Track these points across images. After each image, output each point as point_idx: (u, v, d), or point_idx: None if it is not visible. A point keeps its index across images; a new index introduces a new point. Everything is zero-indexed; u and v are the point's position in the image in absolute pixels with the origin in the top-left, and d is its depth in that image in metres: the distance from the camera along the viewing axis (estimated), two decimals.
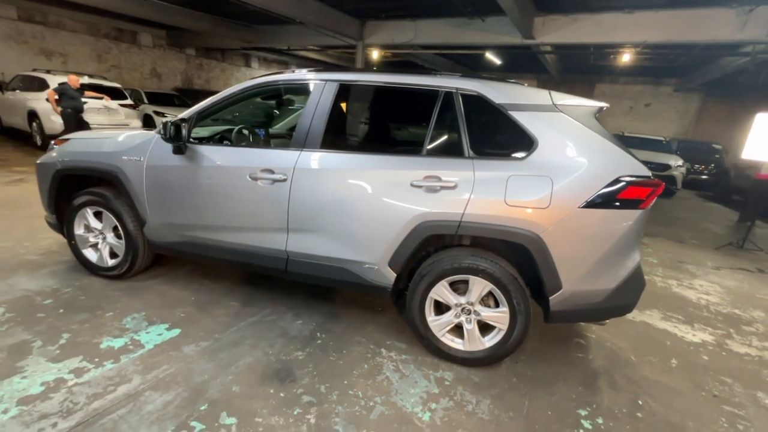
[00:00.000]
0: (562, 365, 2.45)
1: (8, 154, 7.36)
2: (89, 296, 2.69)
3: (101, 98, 8.30)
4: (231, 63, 17.68)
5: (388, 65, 16.73)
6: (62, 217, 2.97)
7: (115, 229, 2.84)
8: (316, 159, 2.31)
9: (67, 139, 2.93)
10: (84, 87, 7.75)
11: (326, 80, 2.40)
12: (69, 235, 2.93)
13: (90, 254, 2.95)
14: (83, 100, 7.61)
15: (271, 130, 3.54)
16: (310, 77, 2.45)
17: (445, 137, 2.22)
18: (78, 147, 2.84)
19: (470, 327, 2.24)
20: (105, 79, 9.45)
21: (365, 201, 2.22)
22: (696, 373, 2.52)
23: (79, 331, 2.31)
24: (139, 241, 2.79)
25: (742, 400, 2.30)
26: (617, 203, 1.97)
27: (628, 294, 2.13)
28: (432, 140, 2.21)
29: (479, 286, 2.16)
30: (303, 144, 2.35)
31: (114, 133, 2.91)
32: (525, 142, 2.09)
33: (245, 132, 3.16)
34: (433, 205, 2.11)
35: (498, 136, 2.16)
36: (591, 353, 2.62)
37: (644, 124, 16.29)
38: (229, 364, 2.14)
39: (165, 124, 2.37)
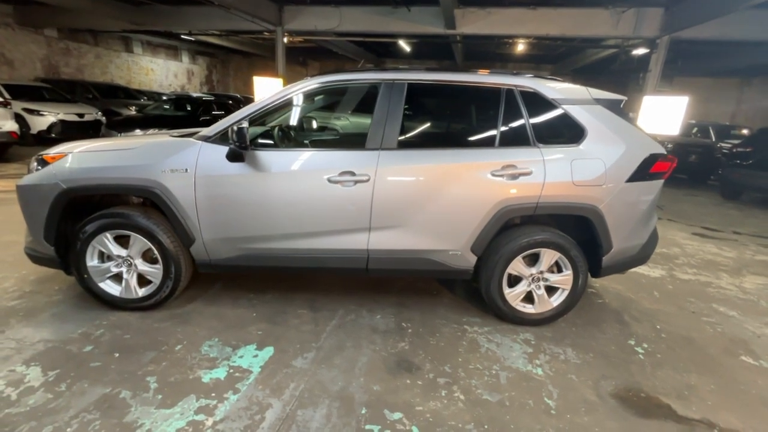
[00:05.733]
0: (595, 310, 3.02)
1: None
2: (135, 334, 2.34)
3: None
4: (107, 47, 14.96)
5: (302, 51, 16.12)
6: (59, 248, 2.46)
7: (145, 253, 2.48)
8: (397, 158, 2.38)
9: (65, 153, 2.40)
10: None
11: (394, 80, 2.45)
12: (78, 270, 2.45)
13: (110, 287, 2.52)
14: None
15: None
16: (378, 77, 2.47)
17: (513, 129, 2.49)
18: (91, 162, 2.36)
19: (540, 292, 2.62)
20: None
21: (449, 193, 2.39)
22: (673, 299, 3.33)
23: (161, 371, 2.03)
24: (182, 263, 2.48)
25: (708, 312, 3.16)
26: (648, 176, 2.52)
27: (651, 246, 2.74)
28: (502, 133, 2.47)
29: (549, 256, 2.54)
30: (380, 144, 2.39)
31: (130, 142, 2.48)
32: (577, 130, 2.49)
33: (282, 132, 2.96)
34: (514, 191, 2.39)
35: (555, 127, 2.51)
36: (605, 298, 3.26)
37: None
38: (350, 367, 2.15)
39: (240, 130, 2.16)
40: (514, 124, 2.48)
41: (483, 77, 2.51)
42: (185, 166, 2.32)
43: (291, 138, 3.01)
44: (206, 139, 2.39)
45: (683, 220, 6.11)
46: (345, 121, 3.63)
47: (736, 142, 9.31)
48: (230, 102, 12.02)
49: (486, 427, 1.81)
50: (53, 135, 9.42)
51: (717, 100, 16.22)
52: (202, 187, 2.33)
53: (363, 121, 2.59)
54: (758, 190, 7.47)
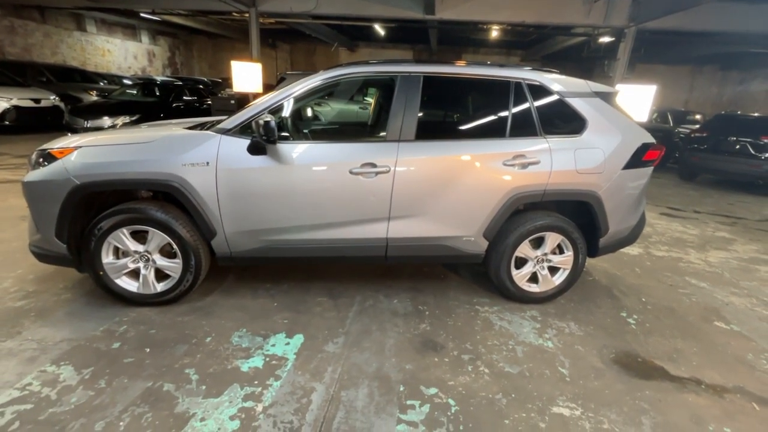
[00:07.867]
0: (587, 287, 3.29)
1: None
2: (160, 328, 2.34)
3: None
4: (57, 25, 13.77)
5: (271, 32, 15.54)
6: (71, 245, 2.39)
7: (162, 248, 2.45)
8: (415, 149, 2.47)
9: (74, 147, 2.30)
10: None
11: (410, 73, 2.51)
12: (94, 267, 2.39)
13: (126, 283, 2.48)
14: None
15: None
16: (394, 70, 2.52)
17: (521, 121, 2.62)
18: (105, 157, 2.28)
19: (544, 272, 2.83)
20: None
21: (464, 182, 2.52)
22: (653, 274, 3.68)
23: (198, 363, 2.07)
24: (202, 256, 2.48)
25: (682, 284, 3.52)
26: (641, 163, 2.75)
27: (639, 227, 3.01)
28: (512, 124, 2.61)
29: (553, 239, 2.74)
30: (399, 135, 2.47)
31: (143, 135, 2.42)
32: (579, 121, 2.67)
33: (298, 124, 2.95)
34: (524, 179, 2.55)
35: (559, 118, 2.68)
36: (595, 275, 3.55)
37: None
38: (380, 349, 2.27)
39: (267, 124, 2.16)
40: (523, 116, 2.62)
41: (493, 70, 2.62)
42: (206, 159, 2.30)
43: (308, 130, 3.01)
44: (225, 131, 2.37)
45: (650, 200, 6.59)
46: (360, 112, 3.65)
47: (691, 127, 10.04)
48: (200, 87, 11.53)
49: (513, 396, 2.00)
50: (7, 122, 8.70)
51: (672, 86, 17.27)
52: (224, 181, 2.32)
53: (378, 112, 2.64)
54: (713, 172, 8.15)
